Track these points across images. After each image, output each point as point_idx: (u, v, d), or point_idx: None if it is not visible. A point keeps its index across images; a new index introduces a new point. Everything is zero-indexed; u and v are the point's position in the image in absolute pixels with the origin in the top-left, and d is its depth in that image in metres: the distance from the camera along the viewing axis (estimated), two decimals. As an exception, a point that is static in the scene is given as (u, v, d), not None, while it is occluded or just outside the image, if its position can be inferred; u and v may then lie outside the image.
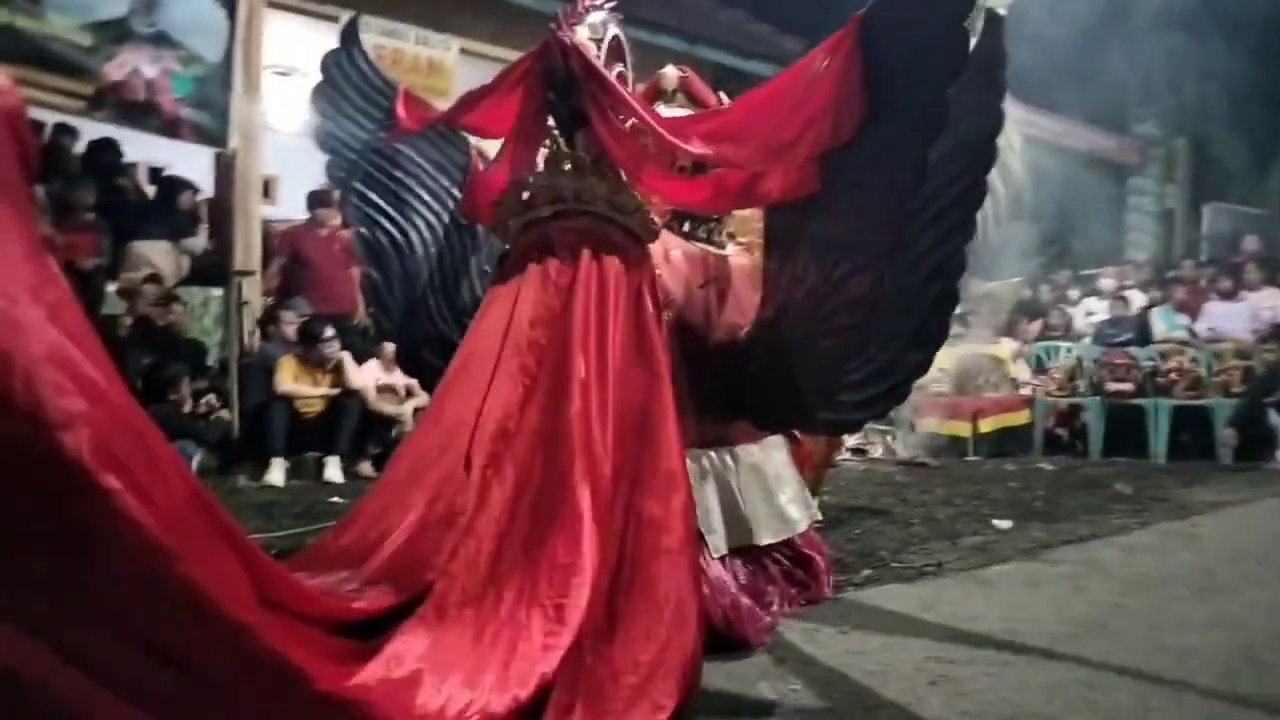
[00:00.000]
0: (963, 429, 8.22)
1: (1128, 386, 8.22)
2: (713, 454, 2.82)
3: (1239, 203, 13.34)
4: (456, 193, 3.26)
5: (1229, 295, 8.73)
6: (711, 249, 2.94)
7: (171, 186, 7.11)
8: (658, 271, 2.63)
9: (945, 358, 9.13)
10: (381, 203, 3.24)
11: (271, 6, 6.85)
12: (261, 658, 1.45)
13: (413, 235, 3.24)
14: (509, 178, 2.71)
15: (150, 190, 7.29)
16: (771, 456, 2.98)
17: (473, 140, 3.24)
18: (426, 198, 3.26)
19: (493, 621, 1.98)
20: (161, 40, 6.06)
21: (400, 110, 3.14)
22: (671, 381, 2.50)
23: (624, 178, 2.61)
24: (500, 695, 1.82)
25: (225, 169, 6.57)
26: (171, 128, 6.15)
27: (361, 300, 7.15)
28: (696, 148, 2.47)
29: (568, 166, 2.61)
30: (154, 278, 5.55)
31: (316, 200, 7.16)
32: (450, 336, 3.16)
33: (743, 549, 2.82)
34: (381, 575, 2.10)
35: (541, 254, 2.53)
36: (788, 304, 2.60)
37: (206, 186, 7.03)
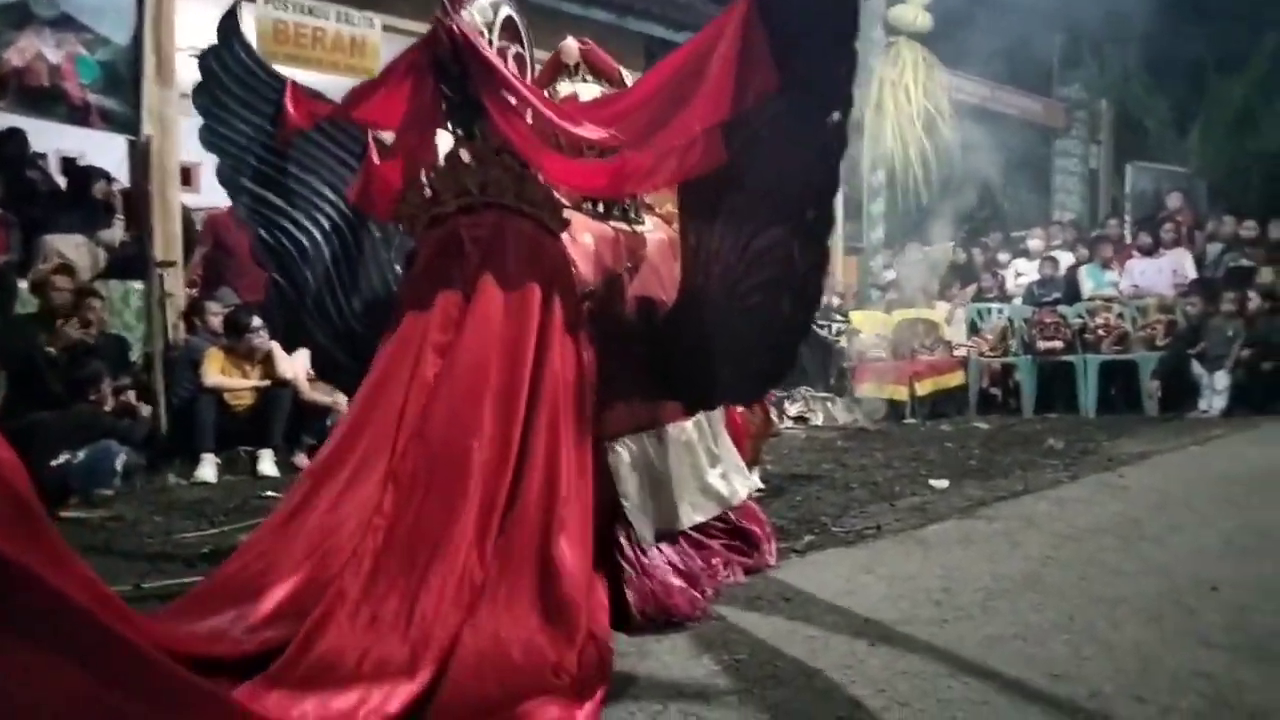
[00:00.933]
0: (901, 392, 8.36)
1: (1058, 344, 8.43)
2: (643, 438, 2.73)
3: (1160, 162, 13.71)
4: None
5: (1150, 252, 8.98)
6: (626, 227, 2.87)
7: (84, 176, 6.82)
8: (573, 261, 2.56)
9: (883, 323, 9.27)
10: (279, 202, 3.10)
11: (182, -14, 6.59)
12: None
13: (316, 233, 3.12)
14: (405, 173, 2.63)
15: (62, 181, 6.99)
16: (704, 431, 2.95)
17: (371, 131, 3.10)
18: (327, 193, 3.13)
19: (367, 636, 1.92)
20: (65, 23, 5.80)
21: (289, 106, 3.02)
22: (596, 370, 2.47)
23: (529, 167, 2.54)
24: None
25: (140, 157, 6.32)
26: (80, 115, 5.90)
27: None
28: (589, 132, 2.42)
29: (468, 159, 2.54)
30: (65, 268, 5.31)
31: (239, 186, 6.96)
32: (360, 332, 3.09)
33: (675, 532, 2.77)
34: (282, 609, 2.02)
35: (451, 252, 2.48)
36: (707, 278, 2.55)
37: (122, 176, 6.77)
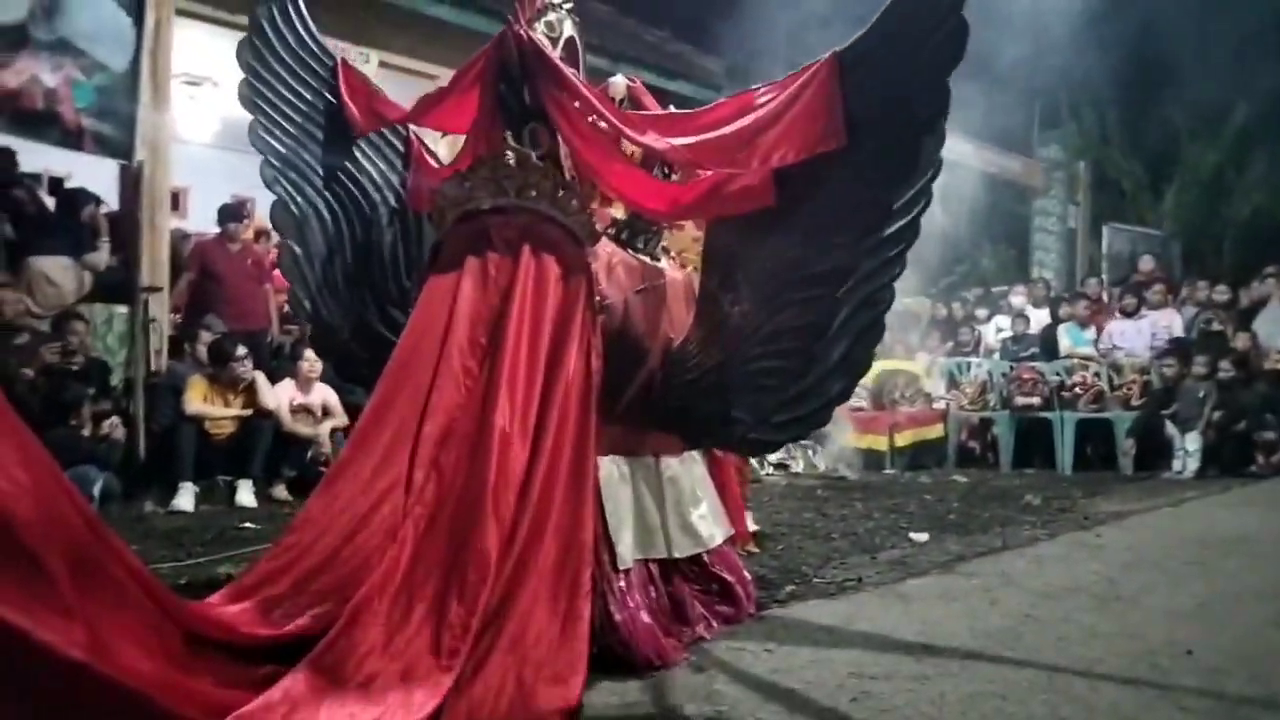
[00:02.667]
0: (880, 442, 8.40)
1: (1035, 400, 8.52)
2: (633, 461, 2.78)
3: (1136, 223, 14.02)
4: (393, 178, 3.19)
5: (1131, 313, 9.14)
6: (648, 260, 2.94)
7: (73, 199, 6.80)
8: (597, 273, 2.62)
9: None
10: (309, 172, 3.11)
11: (180, 14, 6.65)
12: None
13: (340, 214, 3.13)
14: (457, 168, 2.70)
15: (50, 202, 6.97)
16: (690, 471, 2.98)
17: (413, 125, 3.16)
18: (359, 177, 3.15)
19: (402, 633, 2.00)
20: (63, 47, 5.82)
21: (343, 87, 3.05)
22: (601, 388, 2.51)
23: (570, 176, 2.60)
24: (405, 716, 1.82)
25: (131, 181, 6.33)
26: (73, 138, 5.90)
27: (275, 311, 7.09)
28: (654, 142, 2.49)
29: (512, 161, 2.59)
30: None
31: (228, 214, 6.97)
32: (368, 319, 3.11)
33: (653, 563, 2.78)
34: (320, 596, 2.12)
35: (480, 248, 2.52)
36: (724, 323, 2.61)
37: (111, 199, 6.76)
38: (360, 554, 2.17)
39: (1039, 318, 9.79)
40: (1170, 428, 7.82)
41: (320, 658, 1.90)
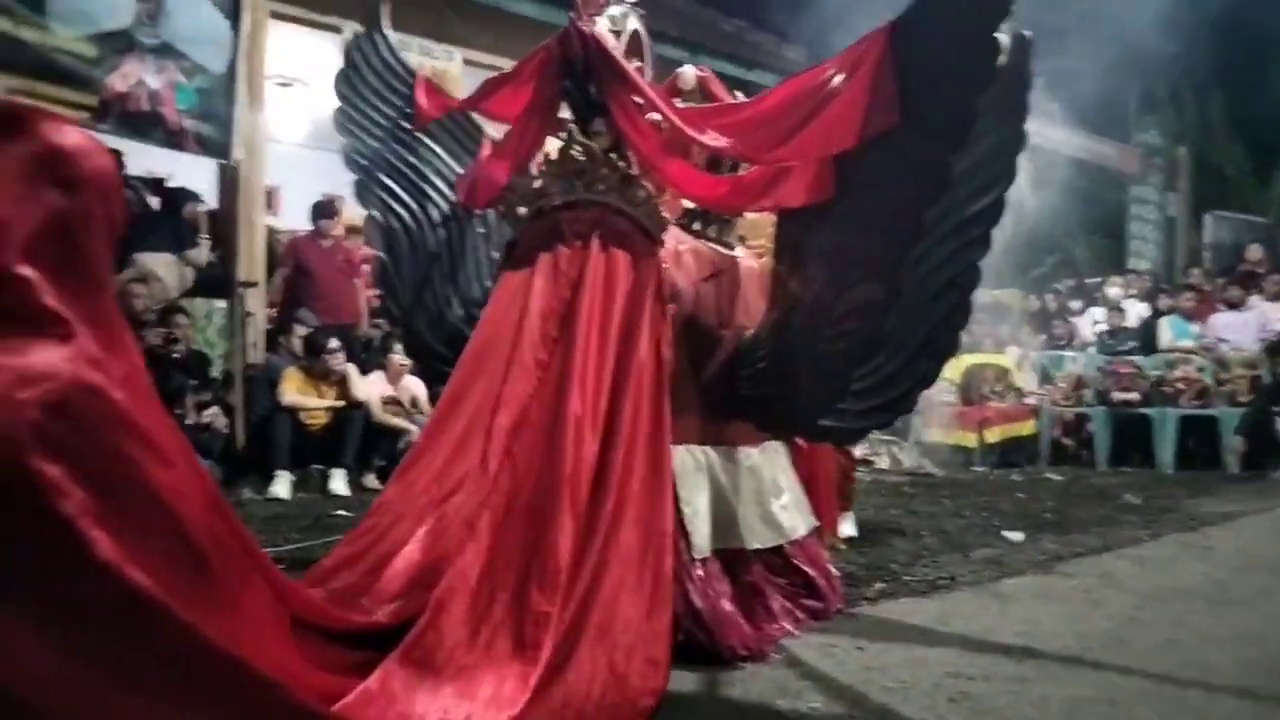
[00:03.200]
0: (969, 439, 8.19)
1: (1134, 396, 8.20)
2: (710, 450, 2.76)
3: (1240, 211, 13.34)
4: None
5: (1236, 305, 8.71)
6: (720, 249, 2.92)
7: (175, 198, 7.09)
8: (665, 266, 2.62)
9: (951, 367, 9.12)
10: (397, 189, 3.26)
11: (274, 17, 6.85)
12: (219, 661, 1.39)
13: (425, 222, 3.26)
14: (515, 164, 2.73)
15: (154, 202, 7.27)
16: (771, 461, 2.93)
17: (489, 130, 3.26)
18: (441, 186, 3.27)
19: (487, 624, 2.02)
20: (166, 51, 6.03)
21: (421, 98, 3.19)
22: (674, 377, 2.49)
23: (636, 169, 2.61)
24: (496, 712, 1.83)
25: (229, 180, 6.55)
26: (176, 139, 6.12)
27: (365, 305, 7.27)
28: (712, 140, 2.46)
29: (581, 156, 2.61)
30: (142, 278, 5.51)
31: (320, 211, 7.16)
32: (455, 323, 3.20)
33: (731, 553, 2.74)
34: (402, 584, 2.14)
35: (552, 243, 2.55)
36: (795, 307, 2.59)
37: (210, 198, 7.02)
38: (438, 543, 2.19)
39: (1135, 310, 9.41)
40: (1280, 425, 7.44)
41: (411, 650, 1.91)
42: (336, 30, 7.87)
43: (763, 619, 2.71)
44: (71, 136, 1.34)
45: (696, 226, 2.91)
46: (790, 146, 2.35)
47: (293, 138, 9.83)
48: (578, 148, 2.62)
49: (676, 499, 2.52)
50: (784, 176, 2.48)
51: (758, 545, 2.81)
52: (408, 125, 3.26)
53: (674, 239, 2.76)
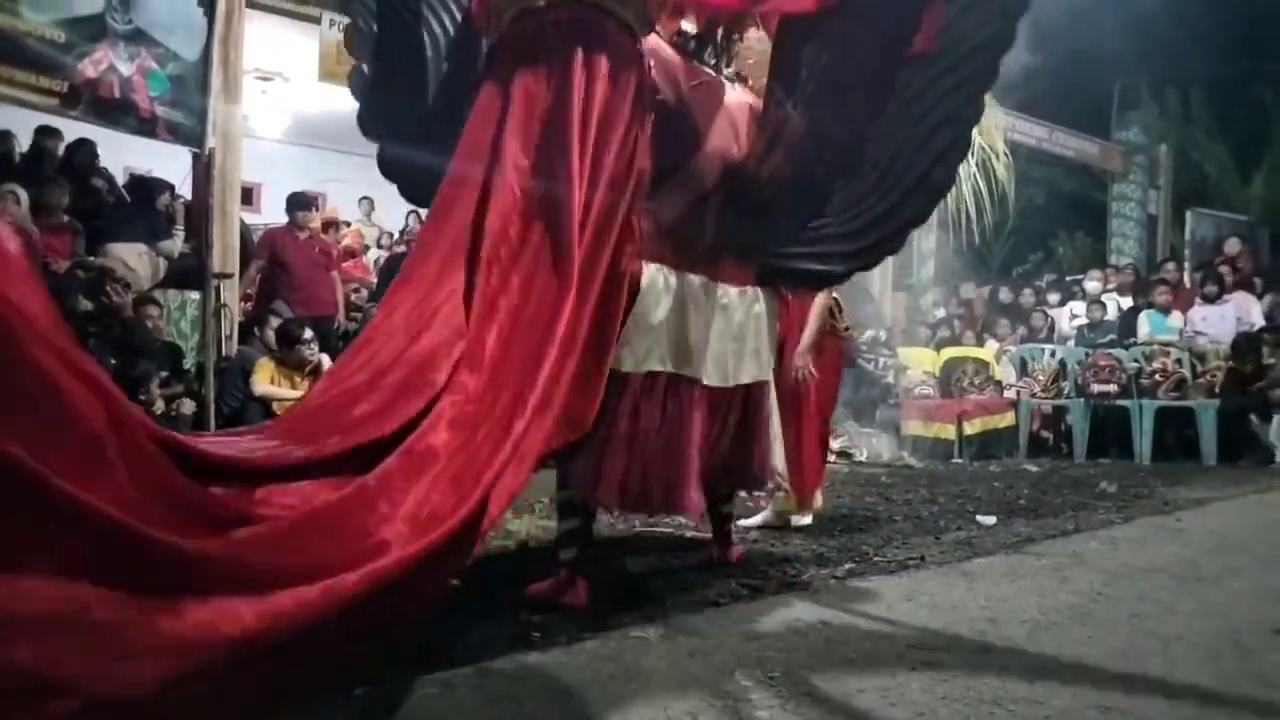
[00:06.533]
0: (948, 431, 8.19)
1: (1112, 388, 8.22)
2: (684, 276, 2.69)
3: (1221, 208, 13.42)
4: None
5: (1214, 299, 8.76)
6: (712, 74, 2.84)
7: (148, 188, 7.03)
8: (650, 68, 2.55)
9: (931, 360, 9.13)
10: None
11: (251, 6, 6.79)
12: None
13: (415, 41, 3.00)
14: None
15: (126, 191, 7.21)
16: (749, 307, 2.90)
17: None
18: (438, 8, 3.05)
19: (487, 422, 2.01)
20: (138, 37, 5.97)
21: None
22: (643, 186, 2.46)
23: None
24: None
25: (203, 170, 6.49)
26: (147, 126, 6.05)
27: (341, 298, 7.20)
28: None
29: None
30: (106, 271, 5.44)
31: (296, 203, 7.11)
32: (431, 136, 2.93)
33: (681, 380, 2.71)
34: (395, 388, 2.08)
35: (535, 47, 2.49)
36: (784, 129, 2.55)
37: (184, 189, 6.96)
38: (426, 350, 2.15)
39: (1115, 304, 9.44)
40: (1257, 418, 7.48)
41: (412, 447, 1.88)
42: (315, 20, 7.86)
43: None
44: None
45: (692, 49, 2.82)
46: None
47: (273, 134, 9.77)
48: None
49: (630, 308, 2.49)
50: None
51: (706, 381, 2.78)
52: None
53: (662, 44, 2.68)
